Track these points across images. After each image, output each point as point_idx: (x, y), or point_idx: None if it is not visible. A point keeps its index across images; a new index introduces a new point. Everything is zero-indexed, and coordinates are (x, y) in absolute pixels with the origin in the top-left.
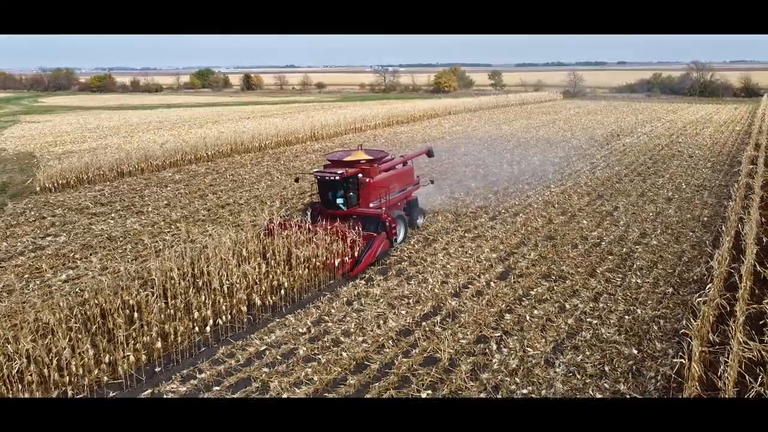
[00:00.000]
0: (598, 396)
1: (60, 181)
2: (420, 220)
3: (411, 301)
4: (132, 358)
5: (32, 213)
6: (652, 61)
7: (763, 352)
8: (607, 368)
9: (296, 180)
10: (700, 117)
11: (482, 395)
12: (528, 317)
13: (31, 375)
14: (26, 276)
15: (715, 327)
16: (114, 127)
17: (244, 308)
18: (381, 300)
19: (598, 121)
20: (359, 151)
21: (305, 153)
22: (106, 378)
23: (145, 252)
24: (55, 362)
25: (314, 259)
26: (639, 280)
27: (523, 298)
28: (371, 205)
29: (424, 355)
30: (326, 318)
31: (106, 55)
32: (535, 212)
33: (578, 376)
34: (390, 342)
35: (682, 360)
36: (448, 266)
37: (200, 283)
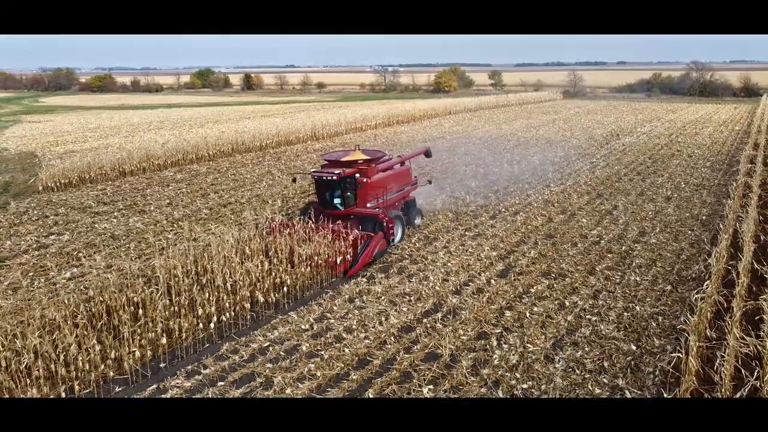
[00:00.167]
0: (597, 390)
1: (62, 181)
2: (418, 220)
3: (412, 298)
4: (137, 353)
5: (35, 212)
6: (652, 61)
7: (759, 347)
8: (606, 364)
9: (293, 180)
10: (699, 117)
11: (483, 390)
12: (528, 314)
13: (38, 370)
14: (31, 274)
15: (712, 323)
16: (115, 126)
17: (248, 305)
18: (382, 297)
19: (597, 120)
20: (357, 151)
21: (306, 152)
22: (112, 373)
23: (148, 250)
24: (62, 358)
25: (316, 257)
26: (638, 278)
27: (523, 296)
28: (369, 205)
29: (426, 351)
30: (328, 315)
31: (106, 55)
32: (535, 211)
33: (577, 372)
34: (392, 338)
35: (680, 354)
36: (448, 264)
37: (204, 281)
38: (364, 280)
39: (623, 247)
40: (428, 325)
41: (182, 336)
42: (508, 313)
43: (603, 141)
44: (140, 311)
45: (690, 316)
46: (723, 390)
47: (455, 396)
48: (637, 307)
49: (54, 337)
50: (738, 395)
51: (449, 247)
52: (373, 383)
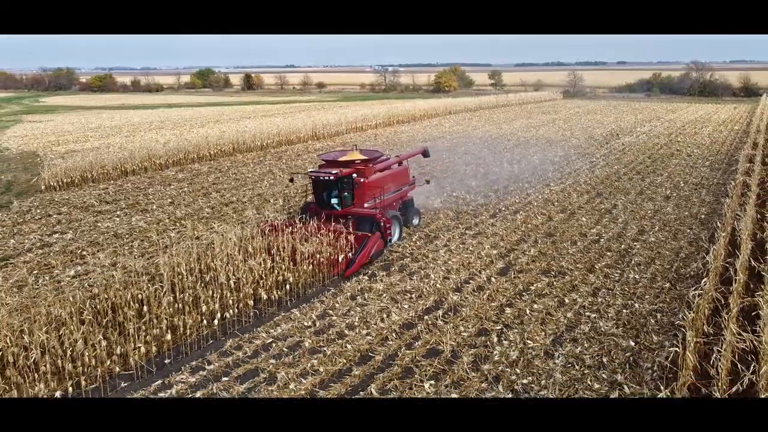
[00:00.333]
0: (596, 385)
1: (65, 180)
2: (415, 221)
3: (413, 295)
4: (143, 349)
5: (38, 211)
6: (652, 61)
7: (755, 343)
8: (605, 359)
9: (291, 180)
10: (699, 116)
11: (483, 385)
12: (528, 311)
13: (45, 365)
14: (35, 272)
15: (710, 319)
16: (116, 126)
17: (251, 302)
18: (384, 295)
19: (597, 120)
20: (354, 151)
21: (307, 152)
22: (118, 369)
23: (151, 248)
24: (69, 353)
25: (318, 255)
26: (637, 276)
27: (523, 293)
28: (366, 205)
29: (427, 347)
30: (331, 312)
31: (106, 55)
32: (535, 210)
33: (577, 367)
34: (393, 335)
35: (677, 349)
36: (449, 262)
37: (207, 278)
38: (366, 277)
39: (622, 246)
40: (429, 322)
41: (186, 332)
42: (508, 310)
43: (603, 140)
44: (145, 308)
45: (687, 313)
46: (720, 384)
47: (455, 396)
48: (636, 305)
49: (60, 333)
50: (734, 389)
51: (450, 245)
52: (375, 378)
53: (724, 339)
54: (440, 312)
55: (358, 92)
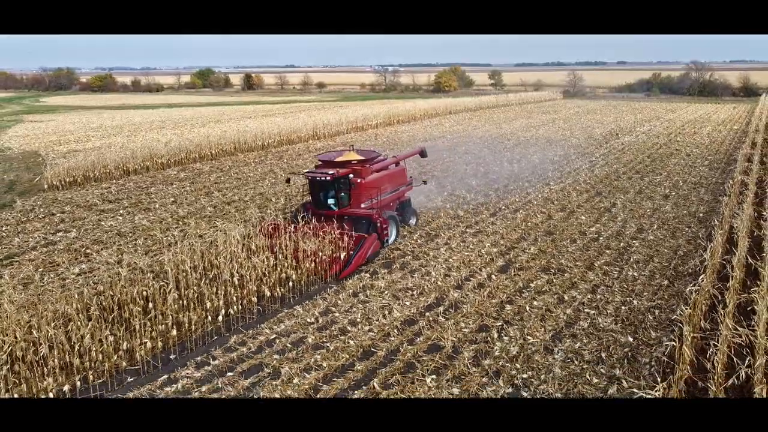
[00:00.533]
0: (595, 380)
1: (67, 179)
2: (413, 221)
3: (415, 292)
4: (149, 345)
5: (41, 210)
6: (652, 61)
7: (751, 337)
8: (603, 355)
9: (287, 181)
10: (698, 116)
11: (484, 380)
12: (528, 308)
13: (54, 360)
14: (41, 270)
15: (707, 315)
16: (117, 126)
17: (254, 299)
18: (386, 292)
19: (597, 120)
20: (351, 152)
21: (308, 152)
22: (124, 364)
23: (155, 247)
24: (76, 349)
25: (320, 253)
26: (635, 273)
27: (523, 290)
28: (363, 205)
29: (428, 343)
30: (333, 309)
31: (106, 55)
32: (535, 208)
33: (576, 362)
34: (395, 331)
35: (674, 343)
36: (450, 260)
37: (211, 276)
38: (368, 275)
39: (621, 244)
40: (431, 319)
41: (191, 329)
42: (508, 307)
43: (602, 140)
44: (150, 305)
45: (684, 308)
46: (716, 378)
47: (455, 396)
48: (635, 301)
49: (68, 329)
50: (730, 382)
51: (450, 243)
52: (377, 373)
53: (720, 334)
54: (441, 309)
55: (358, 92)
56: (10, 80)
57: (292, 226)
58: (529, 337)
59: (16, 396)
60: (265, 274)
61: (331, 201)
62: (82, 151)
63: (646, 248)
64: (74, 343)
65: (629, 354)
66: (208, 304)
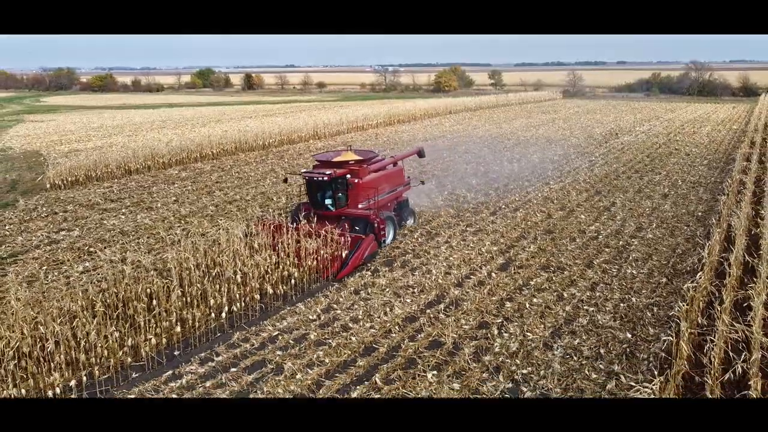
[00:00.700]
0: (594, 375)
1: (69, 179)
2: (410, 221)
3: (416, 290)
4: (153, 341)
5: (44, 209)
6: (652, 61)
7: (747, 333)
8: (602, 351)
9: (285, 180)
10: (698, 116)
11: (485, 375)
12: (528, 305)
13: (60, 356)
14: (45, 268)
15: (704, 312)
16: (118, 126)
17: (257, 296)
18: (387, 289)
19: (597, 120)
20: (348, 152)
21: (308, 151)
22: (129, 360)
23: (157, 245)
24: (82, 345)
25: (322, 251)
26: (634, 271)
27: (523, 288)
28: (360, 206)
29: (429, 339)
30: (335, 306)
31: (106, 55)
32: (535, 207)
33: (575, 358)
34: (396, 327)
35: (671, 338)
36: (450, 258)
37: (214, 273)
38: (369, 273)
39: (620, 242)
40: (431, 316)
41: (195, 325)
42: (508, 304)
43: (602, 140)
44: (154, 302)
45: (682, 304)
46: (713, 373)
47: (455, 396)
48: (633, 299)
49: (73, 325)
50: (726, 377)
51: (451, 242)
52: (379, 369)
53: (717, 330)
54: (442, 306)
55: (359, 92)
56: (11, 80)
57: (294, 225)
58: (528, 334)
59: (20, 393)
60: (268, 272)
61: (328, 201)
62: (84, 150)
63: (644, 246)
64: (80, 339)
65: (628, 350)
66: (212, 302)
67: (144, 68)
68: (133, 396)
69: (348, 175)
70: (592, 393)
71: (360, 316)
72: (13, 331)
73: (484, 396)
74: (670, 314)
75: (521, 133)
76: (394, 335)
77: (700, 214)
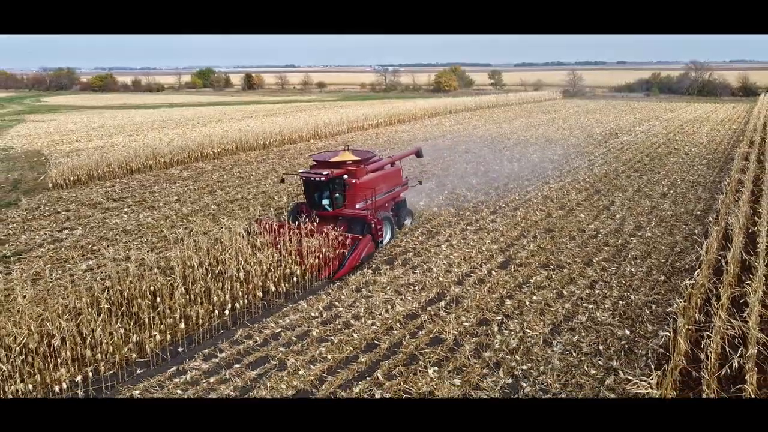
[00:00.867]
0: (593, 371)
1: (71, 178)
2: (408, 221)
3: (417, 288)
4: (158, 338)
5: (46, 208)
6: (652, 61)
7: (743, 329)
8: (601, 347)
9: (282, 181)
10: (697, 116)
11: (485, 371)
12: (527, 302)
13: (66, 352)
14: (48, 266)
15: (702, 309)
16: (118, 125)
17: (260, 294)
18: (388, 287)
19: (596, 119)
20: (346, 152)
21: (309, 150)
22: (134, 356)
23: (160, 244)
24: (88, 341)
25: (324, 249)
26: (633, 269)
27: (523, 286)
28: (357, 206)
29: (430, 336)
30: (337, 303)
31: (106, 55)
32: (535, 206)
33: (574, 354)
34: (398, 324)
35: (668, 333)
36: (451, 256)
37: (217, 271)
38: (370, 271)
39: (619, 241)
40: (432, 313)
41: (199, 322)
42: (508, 302)
43: (602, 139)
44: (158, 299)
45: (679, 301)
46: (709, 368)
47: (455, 391)
48: (632, 296)
49: (78, 322)
50: (723, 371)
51: (451, 240)
52: (381, 365)
53: (714, 326)
54: (443, 303)
55: (359, 92)
56: (11, 80)
57: (302, 221)
58: (528, 331)
59: (27, 388)
60: (270, 270)
61: (325, 201)
62: (85, 150)
63: (643, 245)
64: (85, 335)
65: (626, 346)
66: (215, 299)
67: (144, 68)
68: (138, 392)
69: (345, 176)
70: (591, 388)
71: (361, 314)
72: (19, 328)
73: (484, 396)
74: (668, 311)
75: (521, 133)
76: (395, 332)
77: (698, 212)
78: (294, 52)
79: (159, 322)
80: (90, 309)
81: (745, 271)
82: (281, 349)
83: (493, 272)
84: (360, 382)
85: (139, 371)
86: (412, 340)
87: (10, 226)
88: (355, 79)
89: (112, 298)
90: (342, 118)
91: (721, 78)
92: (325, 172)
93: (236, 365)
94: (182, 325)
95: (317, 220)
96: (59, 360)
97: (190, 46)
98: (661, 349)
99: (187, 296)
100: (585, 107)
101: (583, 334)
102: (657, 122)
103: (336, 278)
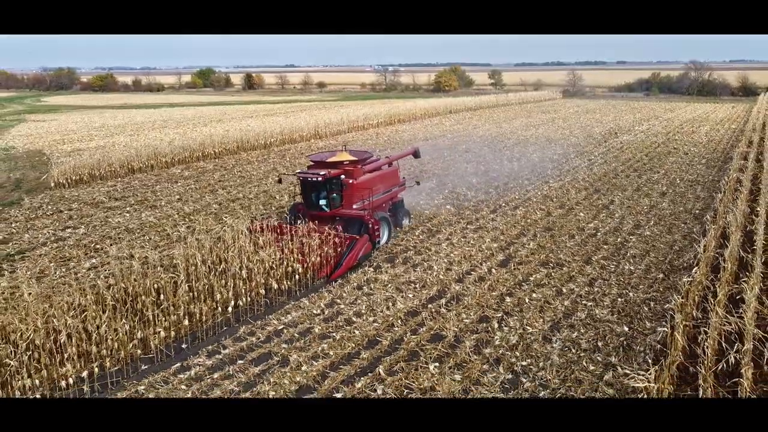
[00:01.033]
0: (591, 367)
1: (73, 177)
2: (405, 222)
3: (417, 285)
4: (162, 334)
5: (49, 207)
6: (651, 61)
7: (739, 325)
8: (600, 344)
9: (279, 181)
10: (697, 115)
11: (485, 366)
12: (527, 300)
13: (72, 348)
14: (52, 264)
15: (699, 305)
16: (119, 125)
17: (262, 291)
18: (389, 285)
19: (596, 119)
20: (343, 152)
21: (310, 150)
22: (139, 352)
23: (162, 242)
24: (93, 337)
25: (325, 247)
26: (632, 267)
27: (523, 283)
28: (355, 206)
29: (431, 332)
30: (338, 301)
31: (106, 55)
32: (534, 205)
33: (573, 351)
34: (399, 321)
35: (665, 329)
36: (451, 255)
37: (220, 269)
38: (371, 269)
39: (619, 239)
40: (433, 310)
41: (202, 319)
42: (508, 299)
43: (601, 139)
44: (162, 296)
45: (677, 297)
46: (706, 363)
47: (455, 393)
48: (631, 294)
49: (83, 318)
50: (719, 367)
51: (452, 239)
52: (382, 361)
53: (711, 322)
54: (443, 301)
55: (359, 92)
56: (11, 80)
57: (301, 223)
58: (528, 327)
59: (34, 383)
60: (273, 268)
61: (322, 202)
62: (86, 149)
63: (642, 243)
64: (91, 332)
65: (624, 343)
66: (218, 296)
67: (144, 68)
68: (143, 387)
69: (342, 176)
70: (589, 383)
71: (363, 311)
72: (26, 324)
73: (485, 393)
74: (666, 307)
75: (521, 133)
76: (396, 329)
77: (697, 211)
78: (294, 52)
79: (163, 318)
80: (95, 306)
81: (742, 269)
82: (284, 345)
83: (493, 270)
84: (362, 378)
85: (143, 367)
86: (413, 336)
87: (13, 225)
88: (355, 79)
89: (117, 295)
90: (342, 117)
91: (720, 78)
92: (322, 173)
93: (239, 361)
94: (186, 322)
95: (309, 223)
96: (65, 356)
97: (190, 46)
98: (658, 345)
99: (191, 293)
100: (585, 107)
101: (582, 330)
102: (656, 122)
103: (333, 278)
